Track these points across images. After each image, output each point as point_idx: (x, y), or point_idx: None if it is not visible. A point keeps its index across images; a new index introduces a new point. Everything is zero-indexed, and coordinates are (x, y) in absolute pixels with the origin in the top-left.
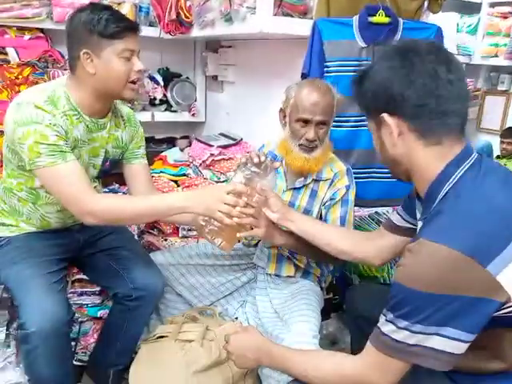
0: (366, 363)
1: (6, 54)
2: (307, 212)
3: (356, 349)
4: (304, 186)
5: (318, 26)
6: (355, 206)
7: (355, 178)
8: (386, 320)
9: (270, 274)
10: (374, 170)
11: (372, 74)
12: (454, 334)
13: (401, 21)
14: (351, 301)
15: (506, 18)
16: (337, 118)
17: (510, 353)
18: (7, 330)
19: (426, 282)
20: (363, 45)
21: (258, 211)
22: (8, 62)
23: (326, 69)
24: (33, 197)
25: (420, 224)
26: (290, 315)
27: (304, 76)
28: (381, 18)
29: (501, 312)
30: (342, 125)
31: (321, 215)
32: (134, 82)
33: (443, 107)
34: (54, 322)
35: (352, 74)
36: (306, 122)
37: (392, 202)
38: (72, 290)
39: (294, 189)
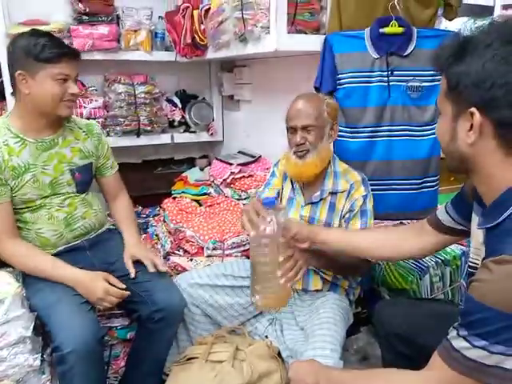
0: (435, 380)
1: None
2: (328, 225)
3: (388, 366)
4: (321, 199)
5: (328, 41)
6: (377, 219)
7: (373, 190)
8: (459, 335)
9: (297, 290)
10: (393, 181)
11: (483, 55)
12: None
13: (415, 30)
14: (381, 317)
15: None
16: (351, 129)
17: None
18: (42, 356)
19: None
20: (376, 56)
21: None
22: None
23: (338, 81)
24: (22, 221)
25: (481, 232)
26: (311, 329)
27: (316, 90)
28: (394, 28)
29: None
30: (357, 136)
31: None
32: (69, 101)
33: None
34: (88, 341)
35: (364, 85)
36: (294, 129)
37: (415, 214)
38: (100, 313)
39: (312, 203)
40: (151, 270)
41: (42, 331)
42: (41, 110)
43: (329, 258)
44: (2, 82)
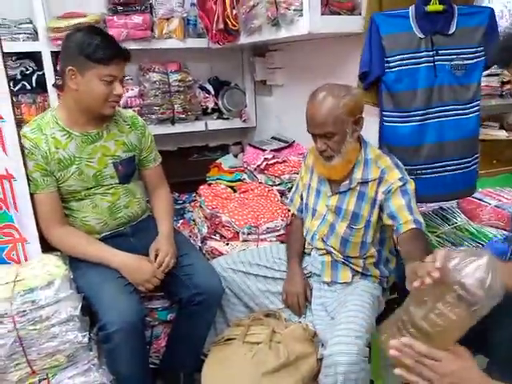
0: None
1: None
2: (356, 216)
3: None
4: (349, 189)
5: (375, 21)
6: (420, 202)
7: (426, 174)
8: None
9: (326, 282)
10: (446, 163)
11: None
12: None
13: (455, 7)
14: None
15: None
16: (403, 114)
17: None
18: (89, 334)
19: None
20: (421, 36)
21: None
22: None
23: (386, 64)
24: (68, 209)
25: None
26: (338, 316)
27: (365, 74)
28: (435, 6)
29: None
30: (409, 120)
31: (376, 217)
32: (113, 101)
33: None
34: (132, 320)
35: (413, 66)
36: (314, 135)
37: (457, 194)
38: (142, 295)
39: (340, 193)
40: (155, 265)
41: (88, 311)
42: (85, 107)
43: None
44: (44, 74)
